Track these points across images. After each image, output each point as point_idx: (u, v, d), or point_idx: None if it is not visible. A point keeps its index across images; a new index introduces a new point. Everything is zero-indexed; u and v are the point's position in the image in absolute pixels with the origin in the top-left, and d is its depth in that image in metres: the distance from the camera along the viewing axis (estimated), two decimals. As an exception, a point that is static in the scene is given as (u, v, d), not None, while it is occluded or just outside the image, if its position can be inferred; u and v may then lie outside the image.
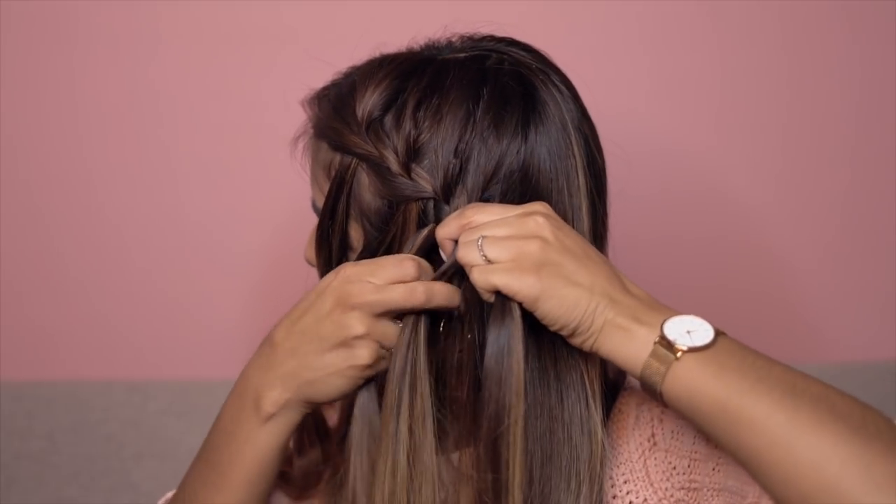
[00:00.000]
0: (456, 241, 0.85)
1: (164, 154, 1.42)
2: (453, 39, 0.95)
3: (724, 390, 0.78)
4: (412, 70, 0.90)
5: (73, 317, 1.44)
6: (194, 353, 1.45)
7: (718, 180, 1.44)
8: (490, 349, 0.83)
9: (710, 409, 0.78)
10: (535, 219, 0.83)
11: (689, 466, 0.89)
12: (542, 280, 0.81)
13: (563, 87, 0.92)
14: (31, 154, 1.42)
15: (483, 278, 0.82)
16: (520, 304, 0.83)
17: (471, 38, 0.95)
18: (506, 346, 0.83)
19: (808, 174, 1.44)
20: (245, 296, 1.44)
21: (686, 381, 0.79)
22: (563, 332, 0.83)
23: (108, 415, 1.43)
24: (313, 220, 0.98)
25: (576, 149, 0.90)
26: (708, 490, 0.87)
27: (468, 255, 0.83)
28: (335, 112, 0.92)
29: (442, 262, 0.88)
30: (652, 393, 0.81)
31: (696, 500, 0.88)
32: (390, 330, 0.86)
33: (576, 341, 0.83)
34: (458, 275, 0.87)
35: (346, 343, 0.85)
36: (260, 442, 0.89)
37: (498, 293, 0.83)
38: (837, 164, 1.44)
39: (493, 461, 0.83)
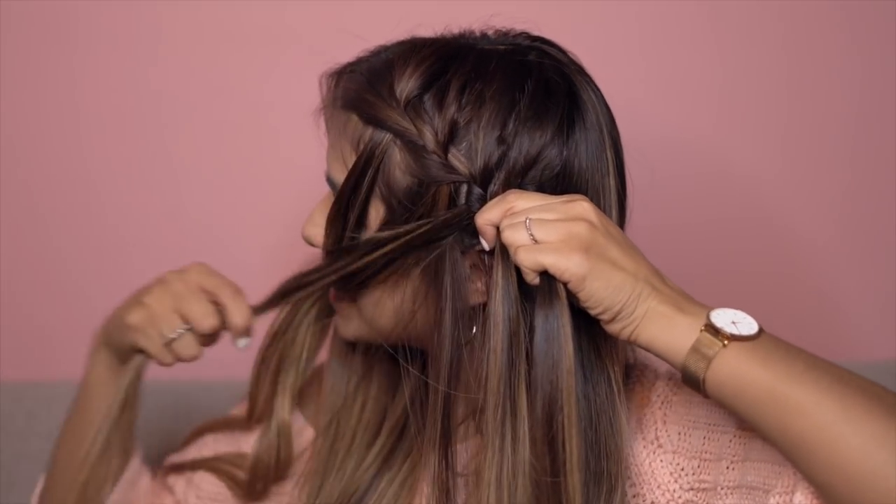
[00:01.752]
0: (497, 227, 0.85)
1: (164, 154, 1.42)
2: (488, 32, 0.95)
3: (772, 378, 0.79)
4: (454, 54, 0.91)
5: (73, 317, 1.44)
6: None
7: (717, 180, 1.44)
8: (539, 330, 0.84)
9: (757, 395, 0.80)
10: (581, 204, 0.84)
11: (698, 467, 0.89)
12: (590, 260, 0.82)
13: (597, 91, 0.94)
14: (31, 154, 1.42)
15: (531, 258, 0.82)
16: (565, 286, 0.83)
17: (506, 34, 0.95)
18: (556, 326, 0.83)
19: (808, 175, 1.44)
20: (246, 296, 1.44)
21: (733, 368, 0.80)
22: (604, 317, 0.83)
23: (108, 415, 1.43)
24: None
25: (609, 152, 0.91)
26: (722, 489, 0.88)
27: (515, 235, 0.83)
28: (369, 86, 0.91)
29: (472, 244, 0.88)
30: (693, 381, 0.82)
31: (706, 499, 0.89)
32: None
33: (615, 328, 0.84)
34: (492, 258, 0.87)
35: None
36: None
37: (544, 276, 0.83)
38: (837, 164, 1.44)
39: (550, 444, 0.84)
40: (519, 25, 0.96)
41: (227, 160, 1.42)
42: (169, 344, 0.98)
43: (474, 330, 0.88)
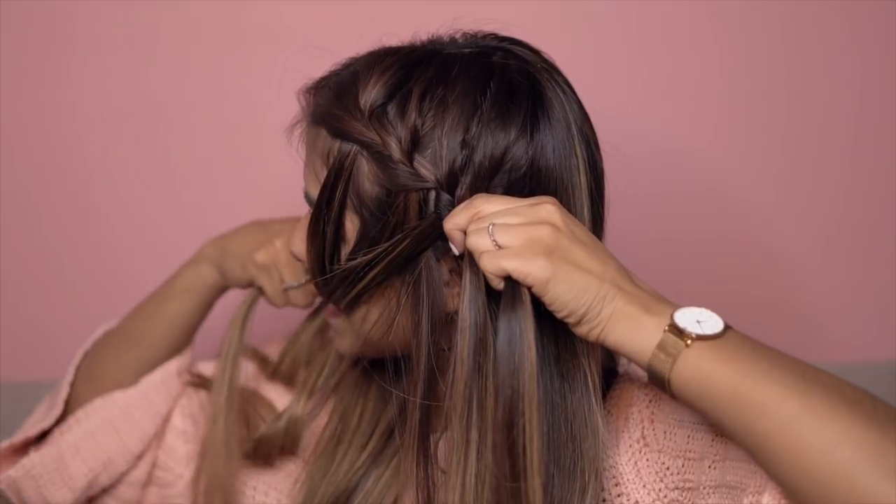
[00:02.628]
0: (465, 232, 0.85)
1: (163, 154, 1.42)
2: (456, 36, 0.95)
3: (736, 376, 0.78)
4: (417, 61, 0.91)
5: (72, 317, 1.44)
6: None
7: (717, 182, 1.44)
8: (502, 335, 0.83)
9: (721, 395, 0.79)
10: (546, 207, 0.84)
11: (682, 466, 0.89)
12: (553, 263, 0.81)
13: (566, 88, 0.93)
14: (30, 154, 1.42)
15: (493, 263, 0.82)
16: (529, 290, 0.83)
17: (474, 36, 0.95)
18: (518, 330, 0.83)
19: (808, 175, 1.44)
20: (245, 296, 1.44)
21: (697, 367, 0.79)
22: (570, 320, 0.83)
23: (107, 415, 1.43)
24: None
25: (578, 149, 0.90)
26: (704, 488, 0.87)
27: (478, 241, 0.83)
28: (336, 99, 0.92)
29: (446, 250, 0.88)
30: (659, 381, 0.81)
31: (691, 499, 0.88)
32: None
33: (582, 330, 0.83)
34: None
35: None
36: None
37: (508, 280, 0.83)
38: (837, 164, 1.44)
39: (511, 448, 0.83)
40: (491, 26, 0.96)
41: (226, 160, 1.42)
42: (287, 290, 1.08)
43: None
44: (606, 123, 0.96)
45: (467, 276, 0.85)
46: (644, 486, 0.91)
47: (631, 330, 0.82)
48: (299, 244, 0.96)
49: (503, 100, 0.88)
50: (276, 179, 1.40)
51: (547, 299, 0.82)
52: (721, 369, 0.79)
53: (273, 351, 1.16)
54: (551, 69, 0.93)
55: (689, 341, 0.80)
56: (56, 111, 1.41)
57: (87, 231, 1.43)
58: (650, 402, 0.93)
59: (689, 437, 0.89)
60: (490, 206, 0.84)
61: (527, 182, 0.88)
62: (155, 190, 1.43)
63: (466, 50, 0.92)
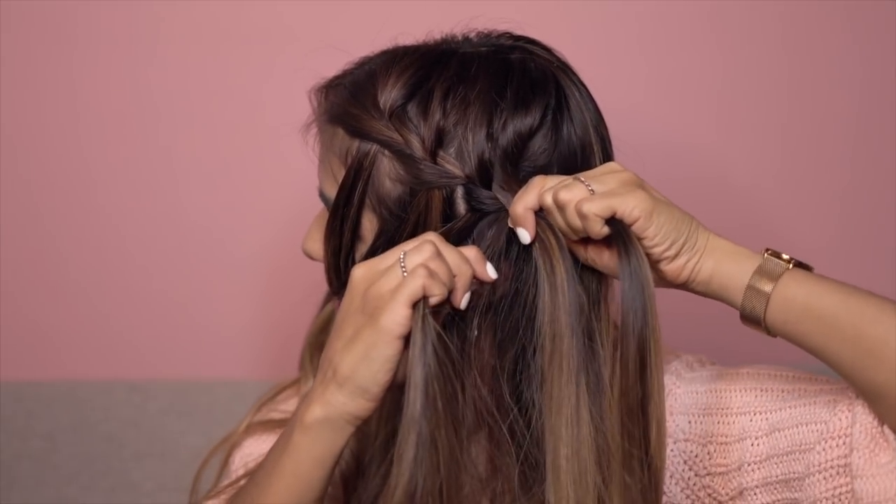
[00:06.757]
0: (536, 213, 0.86)
1: (164, 154, 1.42)
2: (470, 35, 0.95)
3: (840, 293, 0.84)
4: (436, 60, 0.91)
5: (72, 317, 1.44)
6: (194, 353, 1.45)
7: (717, 180, 1.44)
8: (627, 279, 0.84)
9: (828, 309, 0.83)
10: (610, 164, 0.88)
11: (714, 451, 0.90)
12: (651, 196, 0.85)
13: (581, 88, 0.94)
14: (31, 154, 1.42)
15: (600, 204, 0.83)
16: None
17: (488, 35, 0.95)
18: (639, 266, 0.84)
19: (808, 174, 1.44)
20: (246, 296, 1.44)
21: (800, 286, 0.84)
22: (671, 251, 0.85)
23: (108, 415, 1.43)
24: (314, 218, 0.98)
25: (595, 148, 0.91)
26: (748, 465, 0.89)
27: (573, 192, 0.84)
28: (353, 98, 0.92)
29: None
30: (757, 302, 0.84)
31: (728, 482, 0.90)
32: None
33: (679, 263, 0.86)
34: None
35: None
36: (300, 452, 0.86)
37: (612, 223, 0.84)
38: (837, 163, 1.44)
39: (641, 374, 0.84)
40: (503, 26, 0.96)
41: (226, 159, 1.42)
42: None
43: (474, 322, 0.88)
44: (609, 121, 0.96)
45: (555, 246, 0.85)
46: (671, 476, 0.92)
47: (728, 255, 0.86)
48: (313, 243, 0.97)
49: (525, 93, 0.89)
50: (276, 178, 1.41)
51: (651, 231, 0.84)
52: (822, 288, 0.84)
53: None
54: (566, 68, 0.94)
55: (790, 265, 0.85)
56: (57, 110, 1.41)
57: (87, 230, 1.43)
58: (667, 395, 0.94)
59: (719, 422, 0.91)
60: (553, 179, 0.86)
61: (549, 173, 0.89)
62: (155, 189, 1.43)
63: (483, 49, 0.93)
